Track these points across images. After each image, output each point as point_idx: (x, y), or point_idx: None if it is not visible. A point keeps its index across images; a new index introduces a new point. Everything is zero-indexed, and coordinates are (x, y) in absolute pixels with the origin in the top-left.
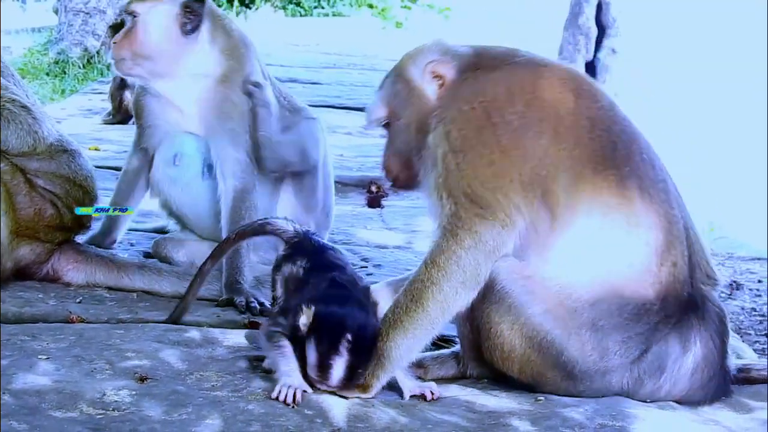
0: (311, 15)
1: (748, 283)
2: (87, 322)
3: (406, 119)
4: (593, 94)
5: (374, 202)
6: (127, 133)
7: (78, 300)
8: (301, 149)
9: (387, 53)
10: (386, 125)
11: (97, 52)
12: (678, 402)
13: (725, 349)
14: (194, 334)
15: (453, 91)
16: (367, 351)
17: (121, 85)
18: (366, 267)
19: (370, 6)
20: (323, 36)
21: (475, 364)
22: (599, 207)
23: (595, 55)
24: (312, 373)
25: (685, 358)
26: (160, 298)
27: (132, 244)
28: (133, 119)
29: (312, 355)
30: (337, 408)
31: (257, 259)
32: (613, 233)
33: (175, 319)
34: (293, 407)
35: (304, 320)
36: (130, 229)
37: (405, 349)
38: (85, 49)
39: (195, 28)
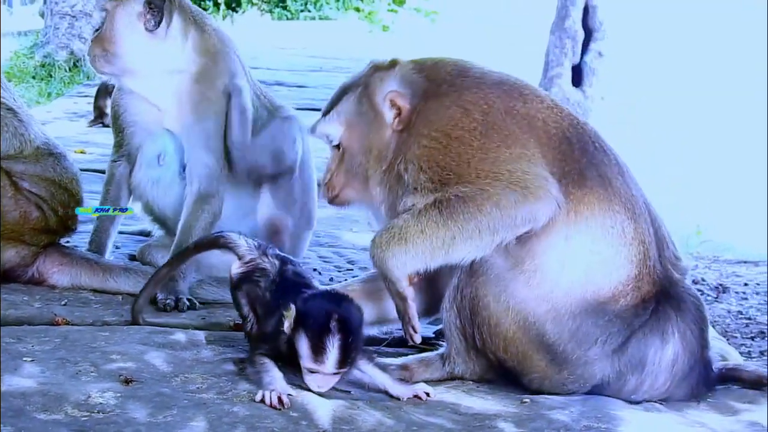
0: (298, 18)
1: (734, 287)
2: (72, 325)
3: (366, 143)
4: (537, 96)
5: None
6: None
7: (63, 302)
8: (275, 152)
9: (374, 57)
10: (336, 145)
11: (84, 56)
12: (663, 399)
13: (704, 338)
14: (179, 336)
15: (408, 127)
16: (355, 331)
17: (104, 93)
18: (352, 269)
19: (357, 9)
20: (310, 39)
21: (462, 359)
22: (570, 199)
23: (581, 59)
24: (308, 363)
25: (665, 351)
26: None
27: (117, 247)
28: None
29: (304, 346)
30: (323, 410)
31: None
32: (580, 227)
33: (134, 321)
34: (280, 410)
35: (287, 323)
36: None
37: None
38: (71, 53)
39: (158, 24)
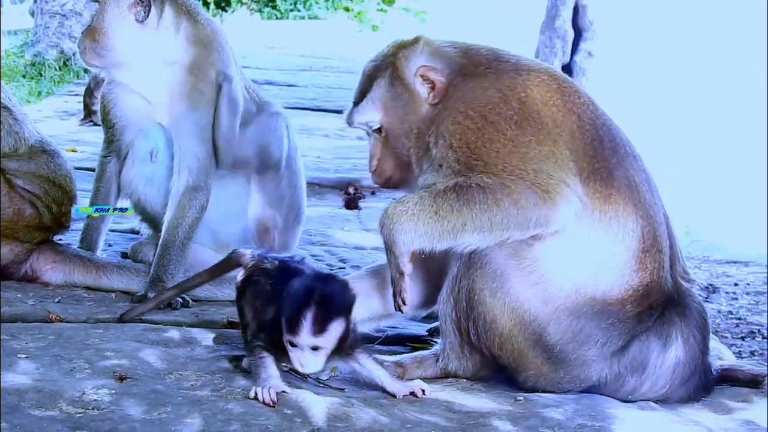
0: (287, 18)
1: (724, 287)
2: (66, 322)
3: (407, 124)
4: (575, 91)
5: (351, 203)
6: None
7: (57, 300)
8: (261, 146)
9: (363, 56)
10: (376, 130)
11: (74, 54)
12: (660, 399)
13: (706, 344)
14: (173, 333)
15: (444, 100)
16: (334, 305)
17: (93, 91)
18: (344, 268)
19: (346, 9)
20: (299, 39)
21: (455, 355)
22: (595, 197)
23: (571, 58)
24: (287, 335)
25: (667, 354)
26: None
27: (109, 245)
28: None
29: (283, 318)
30: (317, 407)
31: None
32: (602, 226)
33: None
34: (273, 407)
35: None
36: (108, 230)
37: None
38: (62, 52)
39: (147, 15)
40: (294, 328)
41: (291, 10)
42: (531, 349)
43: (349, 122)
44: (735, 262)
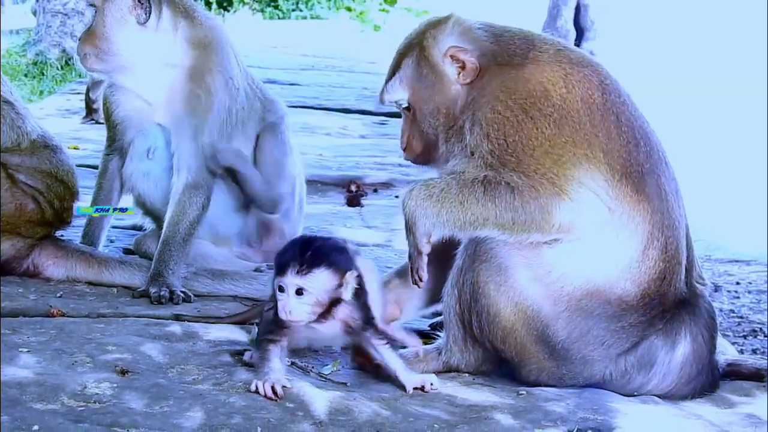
0: (289, 18)
1: (726, 285)
2: (68, 317)
3: (433, 104)
4: (616, 89)
5: (353, 200)
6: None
7: (58, 294)
8: (281, 175)
9: (365, 56)
10: (405, 108)
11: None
12: (664, 396)
13: (714, 344)
14: (175, 328)
15: (478, 85)
16: (323, 251)
17: (94, 89)
18: None
19: (349, 9)
20: (301, 39)
21: (458, 348)
22: (625, 201)
23: None
24: (275, 280)
25: (675, 353)
26: None
27: (111, 241)
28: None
29: (275, 259)
30: (319, 401)
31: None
32: (626, 231)
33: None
34: (274, 400)
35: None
36: (111, 226)
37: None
38: (63, 51)
39: (149, 16)
40: (280, 267)
41: (293, 10)
42: (534, 344)
43: (381, 100)
44: (737, 261)
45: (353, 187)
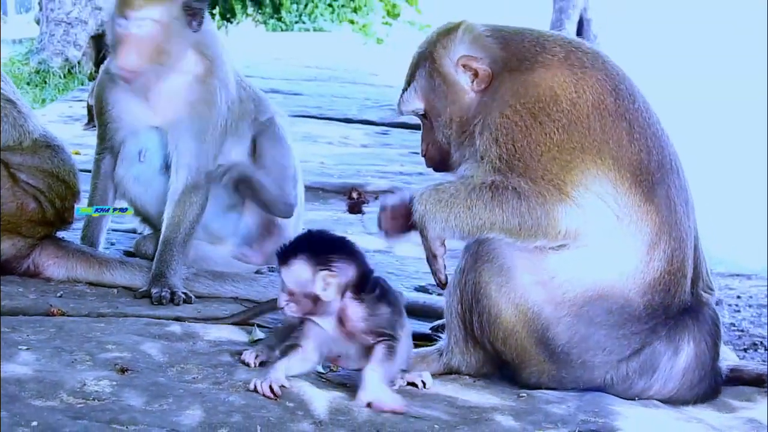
0: (292, 30)
1: (726, 299)
2: (67, 316)
3: (447, 114)
4: (631, 94)
5: (355, 208)
6: None
7: (59, 294)
8: (285, 177)
9: (368, 68)
10: (422, 115)
11: (78, 62)
12: (666, 401)
13: (717, 350)
14: (175, 328)
15: (490, 91)
16: (324, 243)
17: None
18: None
19: (351, 22)
20: (304, 51)
21: (459, 350)
22: (633, 211)
23: None
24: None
25: (678, 359)
26: None
27: (112, 243)
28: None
29: None
30: (319, 400)
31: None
32: (633, 241)
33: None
34: (273, 399)
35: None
36: (110, 229)
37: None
38: (66, 59)
39: (200, 25)
40: (281, 260)
41: (296, 22)
42: (534, 347)
43: (399, 111)
44: (737, 275)
45: (354, 195)
